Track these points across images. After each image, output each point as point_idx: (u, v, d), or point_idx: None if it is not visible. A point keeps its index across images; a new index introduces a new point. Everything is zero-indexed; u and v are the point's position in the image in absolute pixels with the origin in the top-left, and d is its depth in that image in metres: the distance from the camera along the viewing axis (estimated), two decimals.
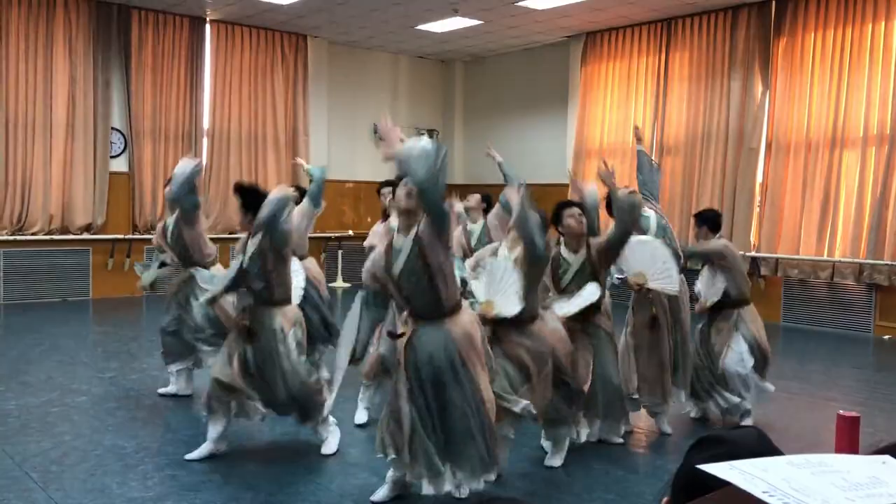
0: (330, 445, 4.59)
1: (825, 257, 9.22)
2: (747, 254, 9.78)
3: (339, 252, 12.55)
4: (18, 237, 10.07)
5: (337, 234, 12.52)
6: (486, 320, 3.94)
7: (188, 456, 4.40)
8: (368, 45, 12.80)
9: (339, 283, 12.52)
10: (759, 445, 0.99)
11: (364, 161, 13.07)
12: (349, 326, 3.80)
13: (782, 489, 0.82)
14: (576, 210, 4.63)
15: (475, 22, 10.91)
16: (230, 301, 5.06)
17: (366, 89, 13.15)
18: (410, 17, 10.85)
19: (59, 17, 10.19)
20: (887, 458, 0.91)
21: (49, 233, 10.28)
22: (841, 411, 2.19)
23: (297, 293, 4.89)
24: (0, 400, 5.52)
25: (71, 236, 10.43)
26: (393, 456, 3.66)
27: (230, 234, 11.55)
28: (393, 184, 4.92)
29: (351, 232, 12.75)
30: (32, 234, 10.17)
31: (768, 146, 9.80)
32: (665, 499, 1.04)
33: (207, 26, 11.38)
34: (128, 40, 10.68)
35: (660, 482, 4.02)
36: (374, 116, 13.20)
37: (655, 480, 4.31)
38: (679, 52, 10.69)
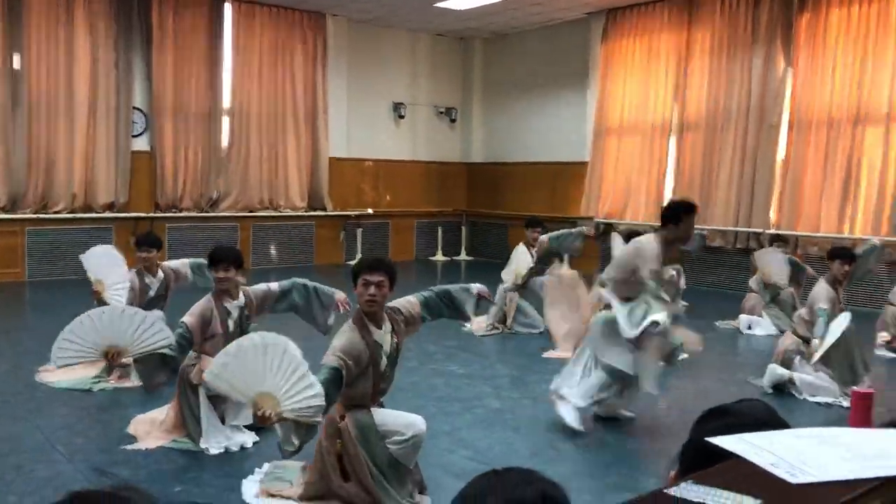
0: None
1: (846, 234, 9.14)
2: (767, 231, 9.74)
3: (359, 230, 12.60)
4: (42, 215, 10.20)
5: (356, 213, 12.57)
6: None
7: None
8: (388, 23, 12.76)
9: None
10: (766, 415, 1.01)
11: (383, 139, 13.08)
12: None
13: (788, 460, 0.84)
14: None
15: None
16: None
17: (385, 67, 13.13)
18: None
19: None
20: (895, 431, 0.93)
21: (72, 211, 10.41)
22: (855, 387, 2.21)
23: None
24: (27, 375, 5.63)
25: (94, 214, 10.57)
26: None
27: (250, 212, 11.64)
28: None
29: (370, 210, 12.78)
30: (56, 212, 10.30)
31: (790, 123, 9.71)
32: (673, 471, 1.06)
33: (227, 5, 11.39)
34: (148, 20, 10.72)
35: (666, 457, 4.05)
36: (394, 94, 13.21)
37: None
38: (701, 28, 10.56)
